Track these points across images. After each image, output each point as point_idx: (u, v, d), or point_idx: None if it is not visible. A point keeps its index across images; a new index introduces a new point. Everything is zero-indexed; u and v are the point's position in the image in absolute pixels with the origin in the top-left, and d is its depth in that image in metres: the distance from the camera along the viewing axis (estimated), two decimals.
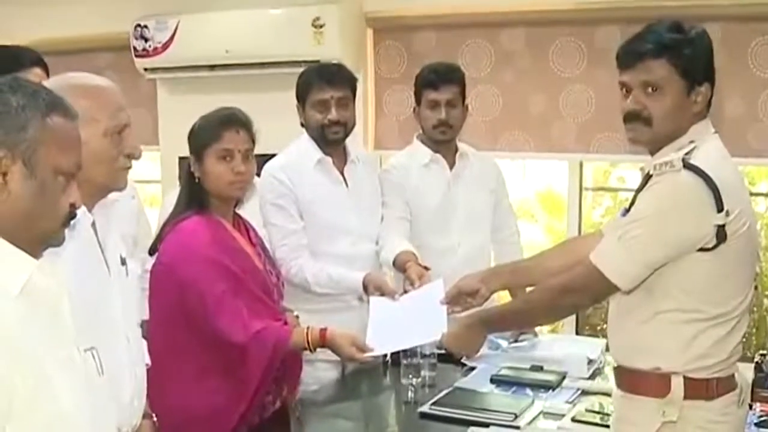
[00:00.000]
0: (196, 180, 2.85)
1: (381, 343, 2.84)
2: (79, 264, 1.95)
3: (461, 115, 3.73)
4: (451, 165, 3.78)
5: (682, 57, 2.24)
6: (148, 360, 2.39)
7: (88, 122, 1.97)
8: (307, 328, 2.82)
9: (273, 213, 3.39)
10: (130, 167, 2.12)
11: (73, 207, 1.69)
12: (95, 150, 1.99)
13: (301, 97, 3.48)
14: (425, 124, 3.73)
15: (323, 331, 2.80)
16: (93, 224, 2.07)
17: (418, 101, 3.74)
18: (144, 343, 2.38)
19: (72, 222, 1.71)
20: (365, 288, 3.26)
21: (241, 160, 2.82)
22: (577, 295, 2.38)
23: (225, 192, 2.85)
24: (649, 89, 2.27)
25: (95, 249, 2.07)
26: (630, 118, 2.32)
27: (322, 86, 3.41)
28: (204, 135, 2.83)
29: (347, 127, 3.49)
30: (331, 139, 3.46)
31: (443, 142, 3.73)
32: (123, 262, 2.17)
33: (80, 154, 1.70)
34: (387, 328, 2.91)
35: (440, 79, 3.65)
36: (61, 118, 1.65)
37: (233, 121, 2.84)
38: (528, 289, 3.76)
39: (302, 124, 3.53)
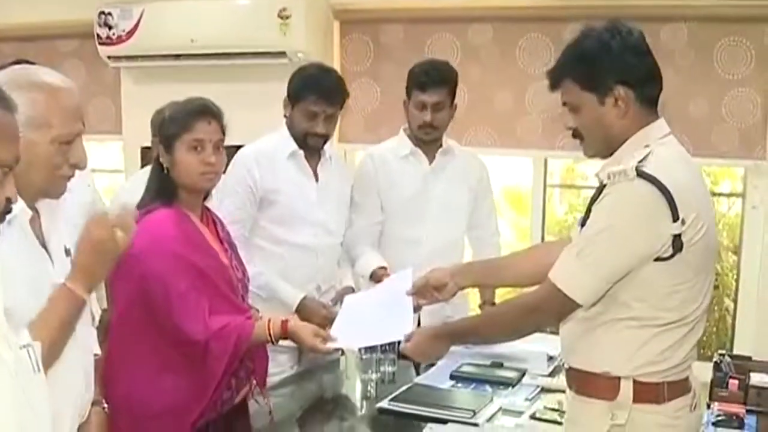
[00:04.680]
0: (165, 170, 2.80)
1: (345, 336, 2.81)
2: (16, 259, 1.89)
3: (447, 116, 3.76)
4: (432, 160, 3.82)
5: (581, 73, 2.25)
6: (97, 349, 2.35)
7: (39, 125, 1.91)
8: (269, 320, 2.78)
9: (228, 195, 3.40)
10: (72, 176, 2.04)
11: (9, 201, 1.62)
12: (40, 155, 1.92)
13: (293, 98, 3.50)
14: (411, 121, 3.76)
15: (285, 322, 2.76)
16: (33, 219, 2.01)
17: (408, 96, 3.75)
18: (93, 331, 2.34)
19: (8, 217, 1.65)
20: (297, 311, 3.42)
21: (211, 150, 2.77)
22: (539, 315, 2.33)
23: (195, 183, 2.80)
24: (569, 109, 2.31)
25: (33, 243, 2.01)
26: (573, 135, 2.36)
27: (317, 100, 3.43)
28: (175, 125, 2.77)
29: (328, 138, 3.57)
30: (311, 146, 3.54)
31: (427, 141, 3.78)
32: (68, 253, 2.11)
33: (18, 147, 1.63)
34: (353, 321, 2.88)
35: (429, 82, 3.65)
36: None
37: (205, 111, 2.79)
38: (497, 295, 3.83)
39: (285, 116, 3.56)
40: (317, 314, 3.41)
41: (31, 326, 1.85)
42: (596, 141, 2.30)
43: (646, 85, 2.26)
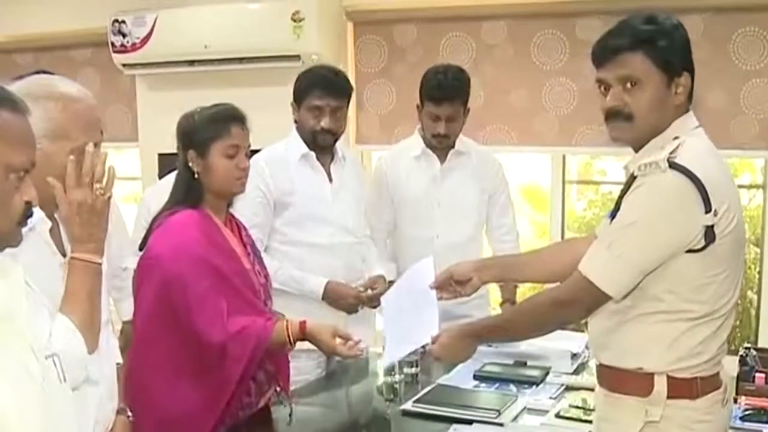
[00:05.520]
0: (195, 176, 2.79)
1: (391, 354, 2.79)
2: (36, 268, 1.88)
3: (461, 124, 3.78)
4: (443, 161, 3.84)
5: (659, 48, 2.17)
6: (119, 358, 2.34)
7: (58, 137, 1.91)
8: (287, 321, 2.75)
9: (243, 202, 3.38)
10: None
11: (29, 205, 1.62)
12: (58, 166, 1.92)
13: (298, 98, 3.54)
14: (425, 129, 3.80)
15: (303, 323, 2.73)
16: (52, 229, 2.01)
17: (421, 102, 3.76)
18: (115, 341, 2.33)
19: (29, 221, 1.64)
20: (324, 297, 3.48)
21: (244, 156, 2.79)
22: (570, 308, 2.27)
23: (230, 187, 2.81)
24: (628, 84, 2.20)
25: (54, 253, 2.01)
26: (611, 115, 2.25)
27: (321, 94, 3.47)
28: (211, 129, 2.76)
29: (337, 135, 3.59)
30: (321, 145, 3.56)
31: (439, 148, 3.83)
32: None
33: (34, 150, 1.62)
34: (395, 333, 2.84)
35: (443, 96, 3.66)
36: (10, 113, 1.57)
37: (238, 116, 2.80)
38: (518, 292, 3.82)
39: (295, 121, 3.59)
40: (348, 296, 3.50)
41: (61, 308, 1.86)
42: (645, 123, 2.21)
43: (693, 79, 2.24)
